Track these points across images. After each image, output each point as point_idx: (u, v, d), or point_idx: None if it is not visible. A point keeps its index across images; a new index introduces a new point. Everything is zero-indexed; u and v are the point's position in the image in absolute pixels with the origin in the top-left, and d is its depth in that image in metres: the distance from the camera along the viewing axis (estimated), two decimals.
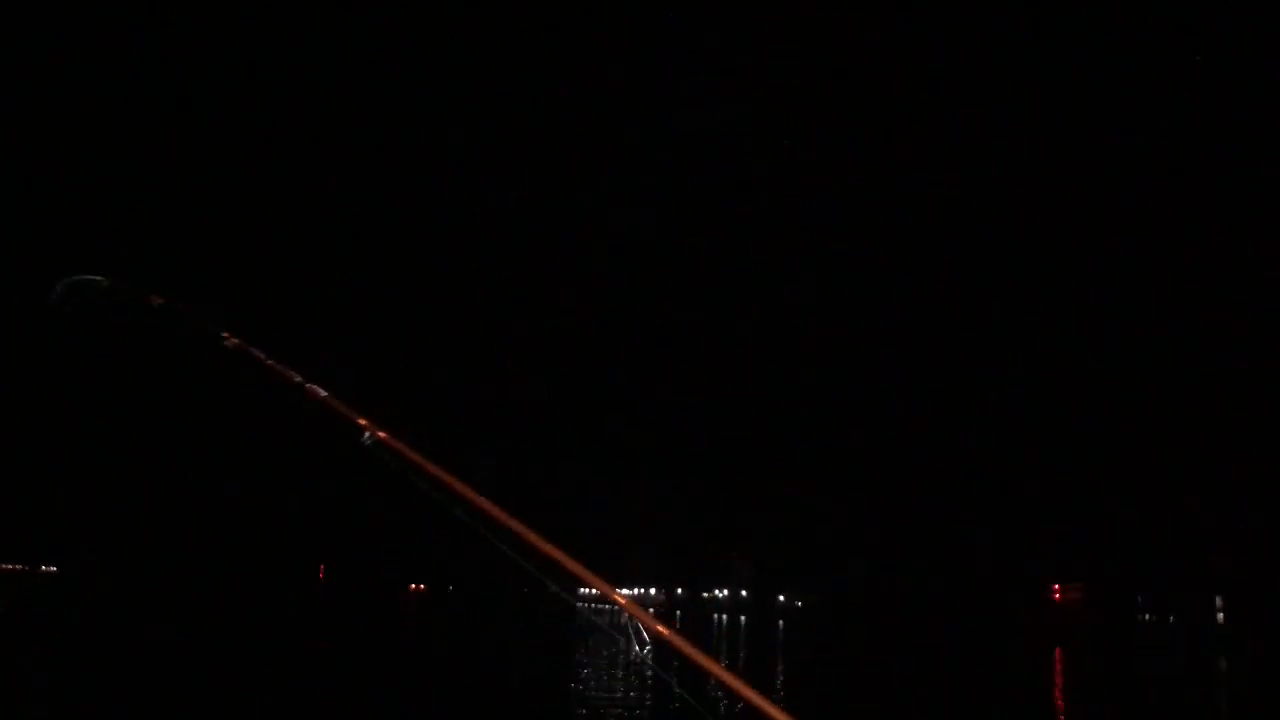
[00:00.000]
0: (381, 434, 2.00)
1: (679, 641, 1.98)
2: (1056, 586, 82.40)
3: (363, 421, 2.04)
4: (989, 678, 30.98)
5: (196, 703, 14.66)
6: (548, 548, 2.13)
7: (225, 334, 2.12)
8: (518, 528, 2.10)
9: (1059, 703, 23.53)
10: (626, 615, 2.06)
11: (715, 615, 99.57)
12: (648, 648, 2.04)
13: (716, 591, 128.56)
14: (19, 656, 20.76)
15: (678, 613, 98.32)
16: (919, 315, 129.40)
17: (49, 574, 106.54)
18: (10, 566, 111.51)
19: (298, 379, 2.09)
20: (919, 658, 38.75)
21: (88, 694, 15.16)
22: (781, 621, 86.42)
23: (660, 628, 2.02)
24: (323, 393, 2.08)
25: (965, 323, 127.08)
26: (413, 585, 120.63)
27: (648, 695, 18.21)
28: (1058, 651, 47.55)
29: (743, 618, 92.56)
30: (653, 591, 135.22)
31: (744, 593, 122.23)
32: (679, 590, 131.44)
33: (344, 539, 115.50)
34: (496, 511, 2.09)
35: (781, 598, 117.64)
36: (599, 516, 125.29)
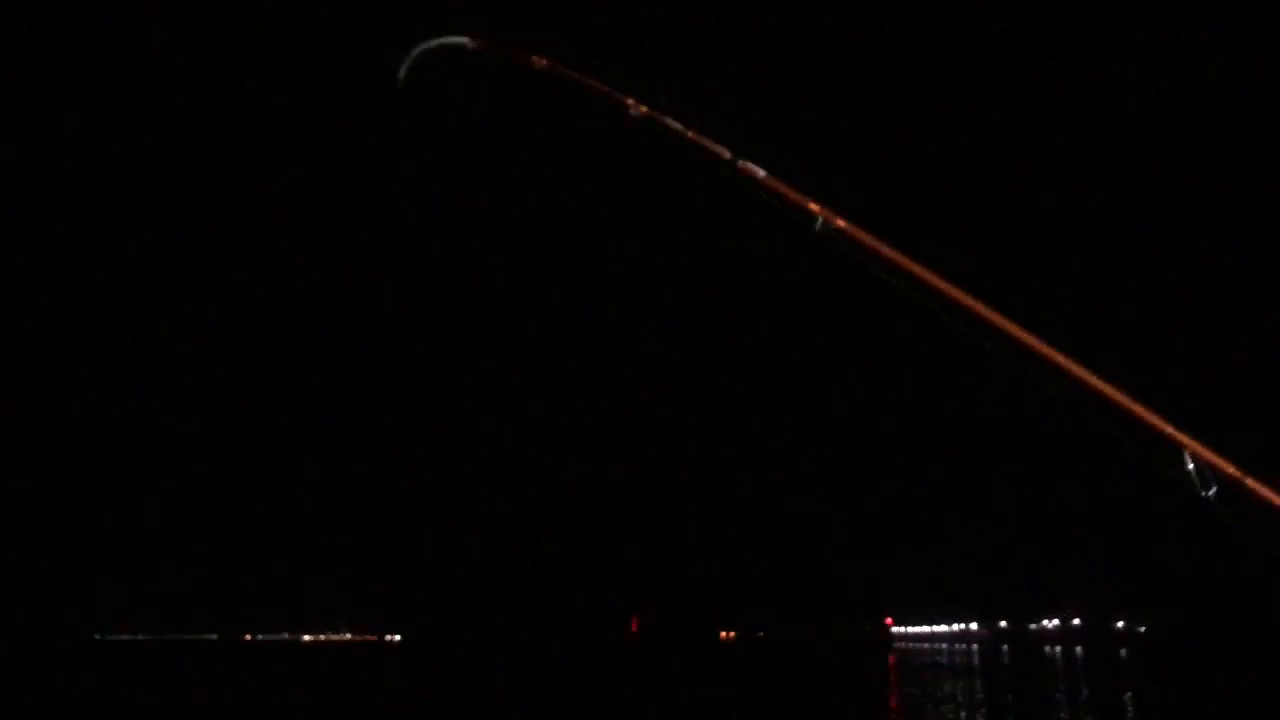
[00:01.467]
0: (840, 221, 1.61)
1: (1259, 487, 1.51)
2: None
3: (814, 207, 1.66)
4: None
5: None
6: (1027, 337, 1.66)
7: (630, 101, 1.76)
8: (996, 319, 1.64)
9: None
10: (1189, 454, 1.55)
11: (1047, 648, 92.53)
12: (1213, 489, 1.56)
13: (1045, 622, 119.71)
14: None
15: (1004, 647, 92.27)
16: None
17: (393, 642, 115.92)
18: (364, 638, 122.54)
19: (727, 155, 1.72)
20: None
21: None
22: (1124, 650, 78.84)
23: (1234, 469, 1.54)
24: (760, 172, 1.71)
25: None
26: (724, 633, 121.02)
27: None
28: None
29: (1078, 649, 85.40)
30: (974, 626, 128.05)
31: (1076, 620, 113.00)
32: (1003, 623, 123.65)
33: (656, 592, 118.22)
34: (968, 300, 1.66)
35: (1121, 623, 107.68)
36: (914, 551, 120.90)
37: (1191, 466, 1.53)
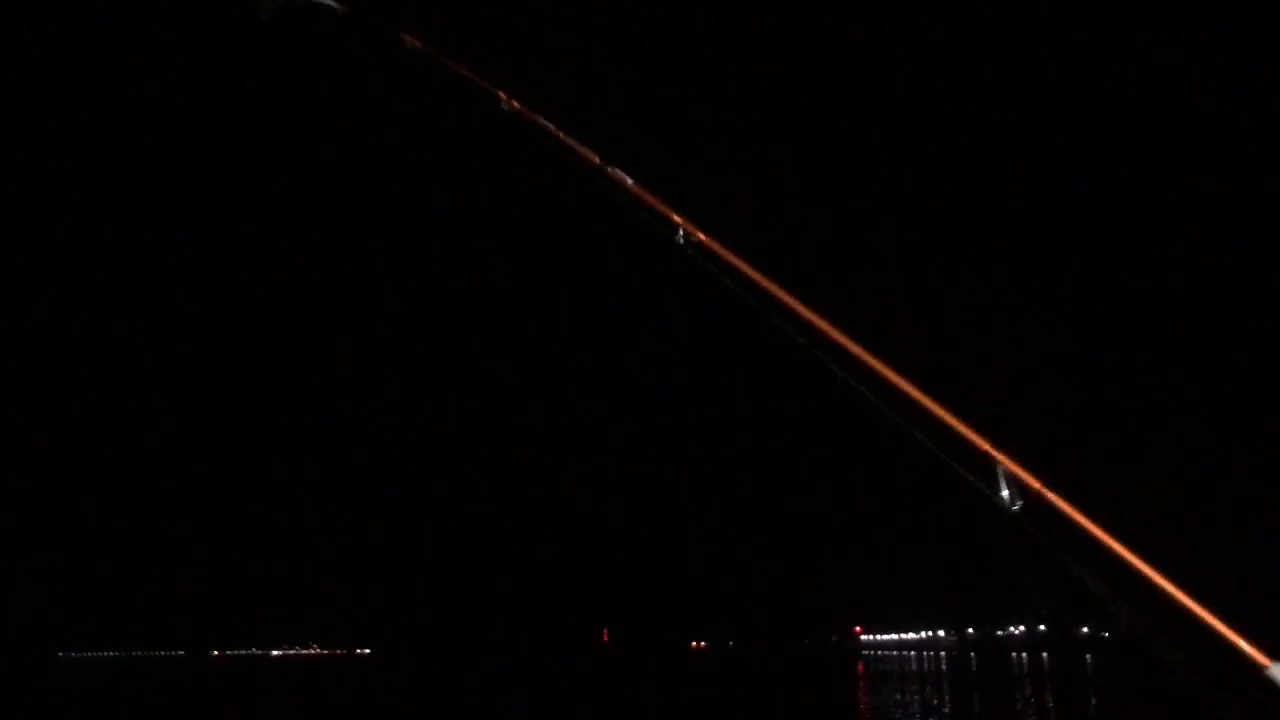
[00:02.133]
0: (700, 235, 1.61)
1: (1059, 501, 1.58)
2: None
3: (677, 219, 1.66)
4: None
5: None
6: (874, 361, 1.71)
7: (503, 94, 1.68)
8: (842, 340, 1.70)
9: None
10: (1000, 465, 1.63)
11: (1013, 654, 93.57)
12: (1019, 503, 1.65)
13: (1011, 629, 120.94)
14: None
15: (972, 654, 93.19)
16: None
17: (363, 655, 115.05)
18: (334, 652, 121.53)
19: (596, 160, 1.68)
20: None
21: None
22: (1089, 655, 79.89)
23: (1034, 481, 1.60)
24: (629, 180, 1.68)
25: None
26: (694, 643, 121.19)
27: None
28: None
29: (1045, 654, 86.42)
30: (941, 634, 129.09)
31: (1041, 627, 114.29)
32: (970, 630, 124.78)
33: (626, 602, 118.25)
34: (820, 322, 1.68)
35: (1085, 629, 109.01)
36: (878, 559, 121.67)
37: (1004, 482, 1.58)
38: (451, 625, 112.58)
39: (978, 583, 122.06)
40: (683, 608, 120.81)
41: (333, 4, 1.76)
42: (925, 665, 62.56)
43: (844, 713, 26.69)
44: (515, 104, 1.76)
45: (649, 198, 1.67)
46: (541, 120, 1.74)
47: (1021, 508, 1.58)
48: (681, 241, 1.65)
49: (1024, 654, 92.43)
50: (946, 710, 26.70)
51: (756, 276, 1.65)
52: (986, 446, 1.61)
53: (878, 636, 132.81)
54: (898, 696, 31.82)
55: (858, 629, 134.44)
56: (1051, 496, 1.59)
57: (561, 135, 1.72)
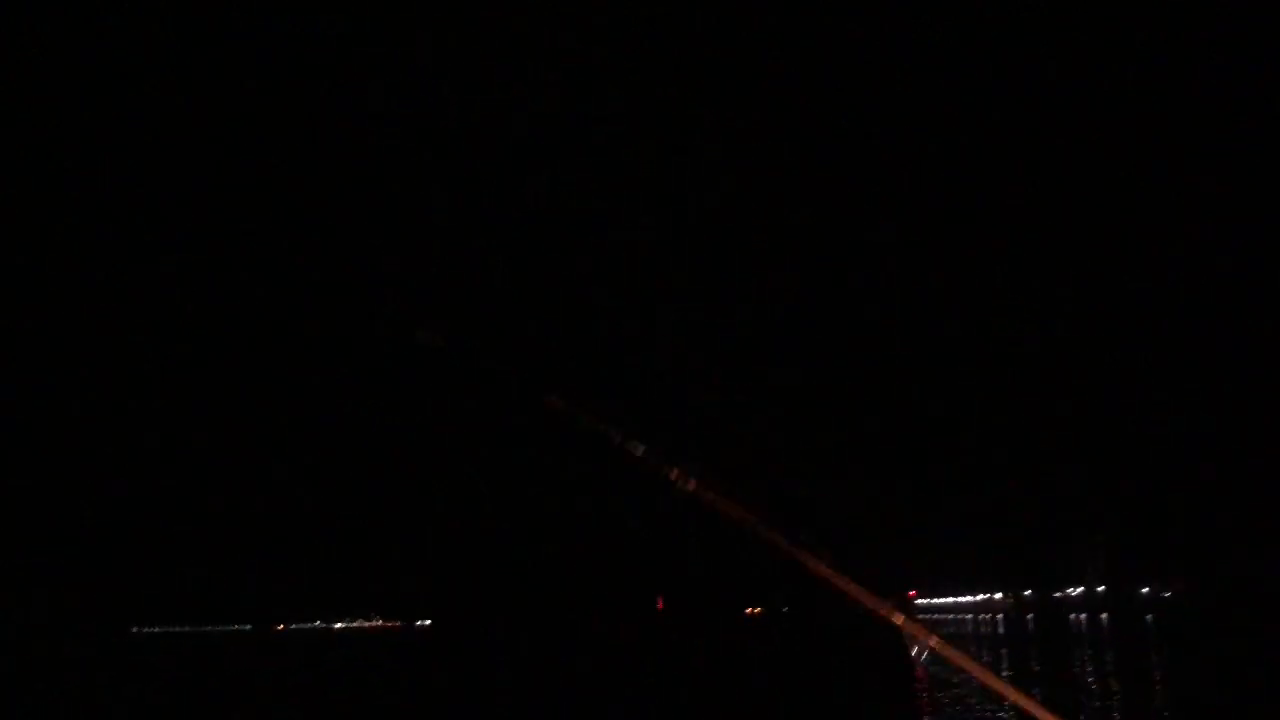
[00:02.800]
0: (692, 482, 1.99)
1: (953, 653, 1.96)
2: None
3: (675, 474, 2.03)
4: None
5: None
6: (849, 585, 2.12)
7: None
8: (825, 570, 2.09)
9: None
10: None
11: (1072, 615, 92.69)
12: (925, 653, 2.04)
13: (1069, 590, 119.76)
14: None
15: (1029, 616, 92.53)
16: None
17: (423, 627, 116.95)
18: (394, 624, 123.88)
19: (618, 437, 2.05)
20: None
21: None
22: (1150, 616, 78.90)
23: (933, 641, 2.01)
24: (640, 449, 2.06)
25: None
26: (748, 609, 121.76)
27: None
28: None
29: (1104, 616, 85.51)
30: (999, 596, 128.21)
31: (1100, 588, 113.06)
32: (1027, 592, 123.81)
33: (680, 569, 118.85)
34: (808, 558, 2.07)
35: (1145, 589, 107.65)
36: (935, 520, 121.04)
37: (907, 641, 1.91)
38: (509, 597, 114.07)
39: (1035, 545, 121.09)
40: (736, 574, 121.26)
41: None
42: (981, 628, 62.28)
43: (898, 676, 26.76)
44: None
45: (656, 459, 1.99)
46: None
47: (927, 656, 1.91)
48: (684, 487, 1.97)
49: (1083, 615, 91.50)
50: (1005, 673, 26.62)
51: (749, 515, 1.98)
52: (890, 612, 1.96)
53: (933, 600, 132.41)
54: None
55: (912, 593, 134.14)
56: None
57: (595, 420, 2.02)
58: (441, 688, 27.58)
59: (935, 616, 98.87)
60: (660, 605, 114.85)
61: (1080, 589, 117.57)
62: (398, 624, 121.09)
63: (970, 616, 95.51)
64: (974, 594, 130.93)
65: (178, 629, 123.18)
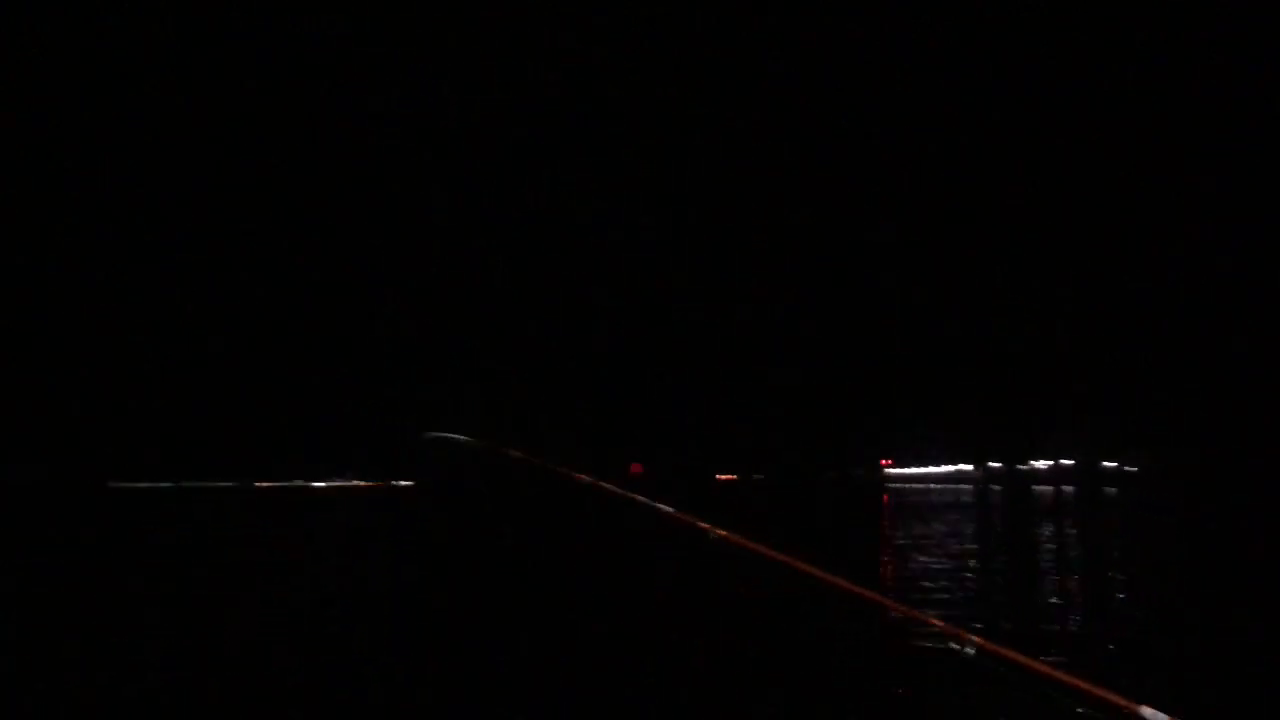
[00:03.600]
0: (722, 532, 2.08)
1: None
2: None
3: (705, 526, 2.13)
4: None
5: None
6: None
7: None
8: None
9: None
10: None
11: (1036, 487, 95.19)
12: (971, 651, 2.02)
13: (1036, 463, 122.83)
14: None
15: (996, 488, 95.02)
16: None
17: (402, 487, 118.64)
18: (374, 484, 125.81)
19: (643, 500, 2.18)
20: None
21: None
22: (1112, 488, 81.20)
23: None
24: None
25: None
26: (722, 476, 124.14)
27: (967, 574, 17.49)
28: None
29: (1068, 487, 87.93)
30: (969, 467, 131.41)
31: (1066, 461, 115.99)
32: (994, 464, 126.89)
33: (654, 437, 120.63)
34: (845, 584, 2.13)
35: (1109, 463, 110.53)
36: (910, 392, 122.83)
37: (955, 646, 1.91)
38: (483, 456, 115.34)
39: (1003, 417, 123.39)
40: (709, 441, 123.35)
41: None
42: (949, 498, 63.92)
43: (871, 539, 27.44)
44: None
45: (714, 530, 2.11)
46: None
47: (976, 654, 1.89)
48: (714, 540, 2.10)
49: (1047, 486, 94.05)
50: (971, 534, 27.39)
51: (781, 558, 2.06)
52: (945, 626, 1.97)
53: (908, 470, 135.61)
54: (923, 525, 32.63)
55: (886, 461, 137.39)
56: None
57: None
58: (424, 548, 28.05)
59: (906, 486, 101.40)
60: (637, 470, 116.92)
61: (1046, 462, 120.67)
62: (378, 484, 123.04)
63: (938, 486, 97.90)
64: (943, 465, 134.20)
65: (157, 485, 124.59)
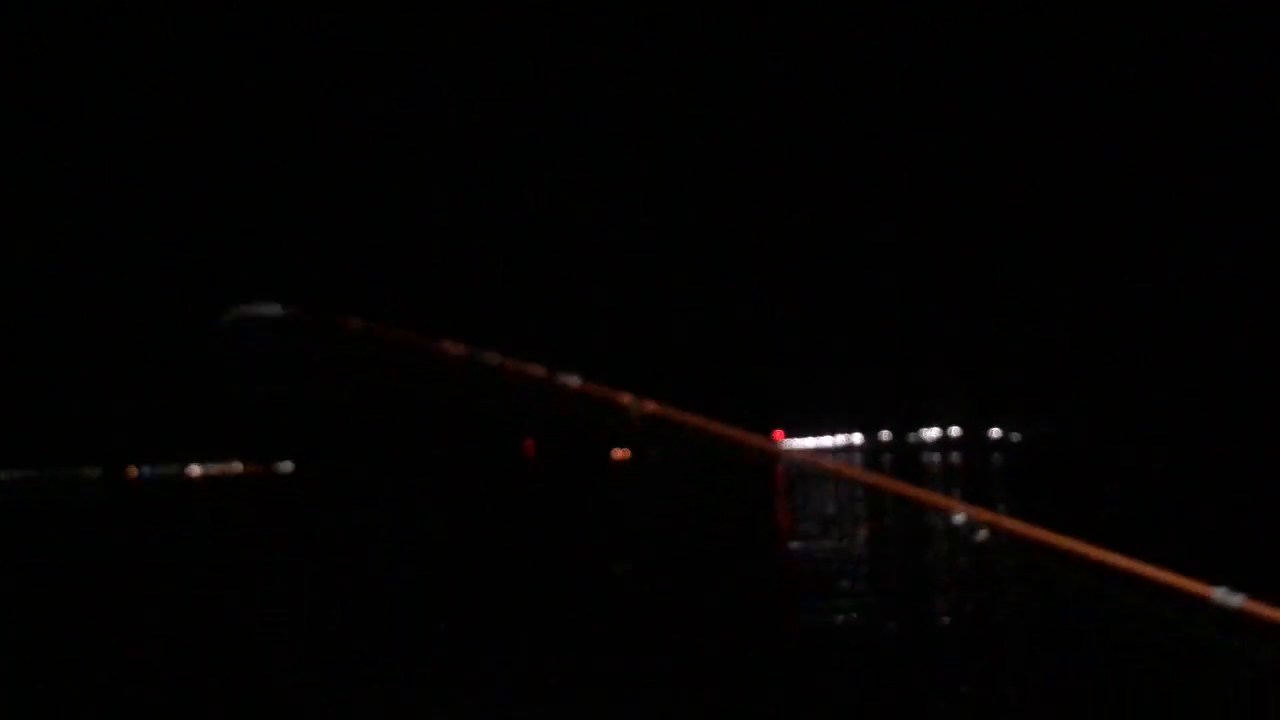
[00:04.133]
0: (649, 406, 1.92)
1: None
2: None
3: (626, 399, 1.90)
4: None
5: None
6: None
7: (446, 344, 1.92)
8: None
9: None
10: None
11: (925, 456, 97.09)
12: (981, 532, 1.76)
13: (924, 432, 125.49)
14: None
15: (886, 456, 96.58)
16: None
17: (283, 471, 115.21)
18: (254, 467, 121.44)
19: (541, 372, 1.94)
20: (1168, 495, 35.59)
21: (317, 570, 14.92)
22: (998, 454, 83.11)
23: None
24: (576, 381, 1.92)
25: None
26: (618, 451, 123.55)
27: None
28: None
29: (955, 455, 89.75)
30: (858, 439, 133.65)
31: (955, 430, 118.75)
32: (885, 434, 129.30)
33: (548, 412, 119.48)
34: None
35: (997, 432, 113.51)
36: (795, 365, 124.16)
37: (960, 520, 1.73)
38: (374, 441, 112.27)
39: (893, 387, 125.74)
40: (605, 418, 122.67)
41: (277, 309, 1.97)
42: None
43: (765, 514, 26.89)
44: (459, 349, 1.96)
45: (597, 389, 1.96)
46: (488, 356, 1.95)
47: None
48: (636, 417, 1.92)
49: (936, 455, 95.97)
50: (860, 503, 27.04)
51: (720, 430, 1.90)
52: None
53: (795, 443, 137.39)
54: (815, 494, 32.18)
55: (779, 433, 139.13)
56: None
57: (507, 364, 1.95)
58: (308, 533, 26.28)
59: (798, 458, 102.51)
60: (530, 449, 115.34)
61: (936, 431, 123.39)
62: (258, 468, 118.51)
63: (830, 459, 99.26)
64: (834, 436, 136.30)
65: (17, 473, 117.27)
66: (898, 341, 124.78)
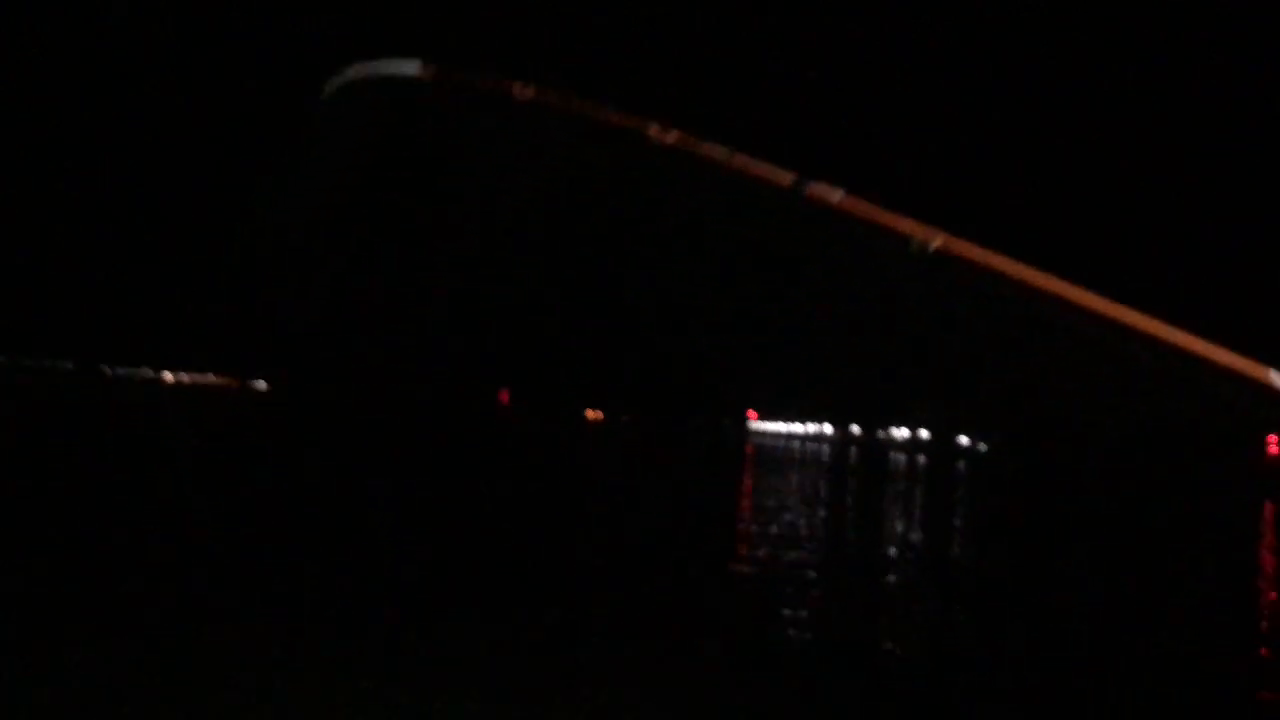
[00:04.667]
0: (939, 240, 1.36)
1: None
2: (1273, 437, 76.68)
3: (909, 228, 1.38)
4: (1182, 530, 28.58)
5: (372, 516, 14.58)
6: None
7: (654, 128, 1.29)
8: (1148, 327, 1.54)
9: (1267, 563, 21.19)
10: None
11: (892, 454, 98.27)
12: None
13: (894, 431, 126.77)
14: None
15: (853, 449, 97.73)
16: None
17: (258, 389, 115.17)
18: (228, 380, 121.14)
19: (789, 180, 1.36)
20: (1101, 505, 36.52)
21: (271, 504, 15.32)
22: (963, 464, 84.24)
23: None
24: (837, 194, 1.37)
25: None
26: (590, 412, 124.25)
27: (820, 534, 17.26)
28: (1268, 507, 44.01)
29: (921, 458, 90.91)
30: (828, 429, 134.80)
31: (924, 433, 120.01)
32: (854, 428, 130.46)
33: (525, 365, 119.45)
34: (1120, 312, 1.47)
35: (965, 439, 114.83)
36: (779, 351, 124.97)
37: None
38: (350, 367, 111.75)
39: (867, 381, 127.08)
40: (579, 376, 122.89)
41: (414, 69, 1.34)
42: (808, 456, 65.16)
43: (731, 490, 27.39)
44: (673, 134, 1.41)
45: (868, 209, 1.40)
46: (709, 147, 1.40)
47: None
48: (917, 252, 1.42)
49: (902, 455, 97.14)
50: (822, 494, 27.71)
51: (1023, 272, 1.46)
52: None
53: (767, 426, 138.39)
54: (780, 479, 32.82)
55: (752, 413, 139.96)
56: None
57: (736, 159, 1.40)
58: (278, 455, 26.63)
59: (768, 441, 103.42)
60: (504, 399, 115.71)
61: (905, 431, 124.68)
62: (232, 381, 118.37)
63: (799, 445, 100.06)
64: (805, 423, 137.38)
65: None
66: (878, 338, 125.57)
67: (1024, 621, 11.57)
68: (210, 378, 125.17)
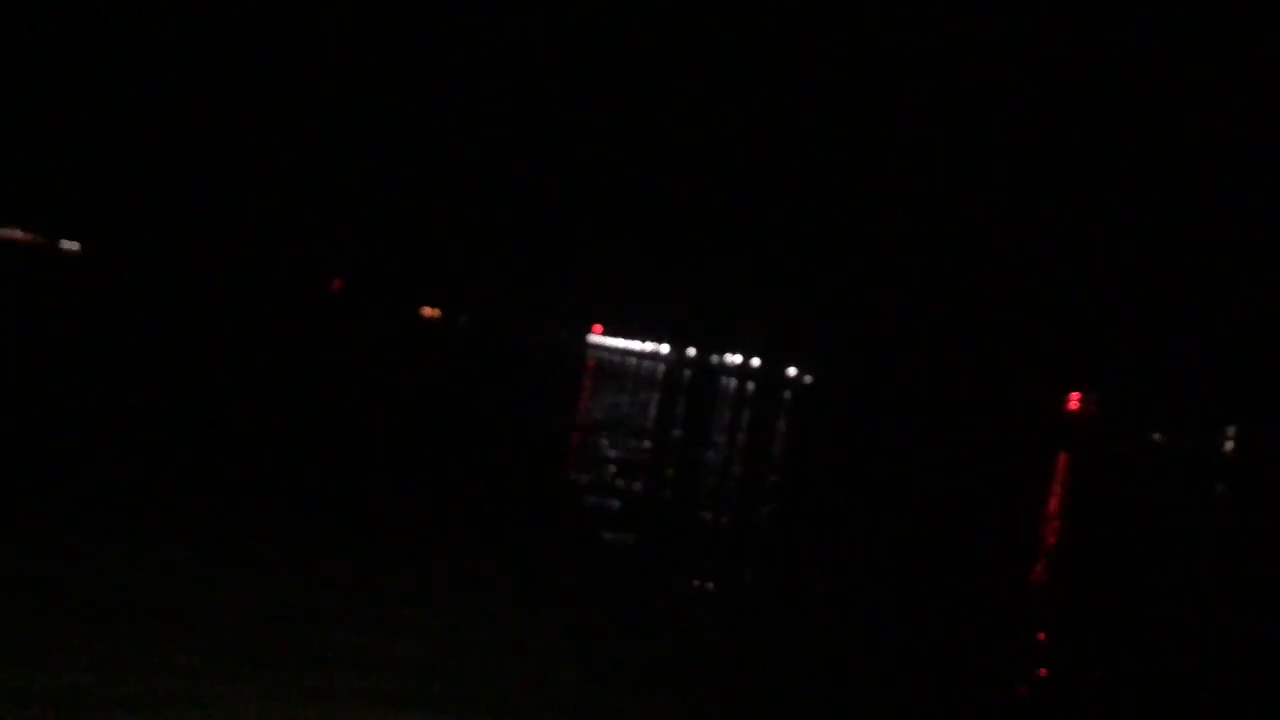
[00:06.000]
0: None
1: None
2: (1076, 395, 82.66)
3: None
4: (984, 473, 30.57)
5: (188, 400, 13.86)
6: None
7: None
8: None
9: (1055, 503, 22.94)
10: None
11: (724, 378, 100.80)
12: None
13: (727, 357, 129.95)
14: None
15: (686, 371, 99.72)
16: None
17: (70, 250, 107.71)
18: (36, 239, 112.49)
19: None
20: (913, 440, 38.67)
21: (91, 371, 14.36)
22: (788, 393, 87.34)
23: None
24: None
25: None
26: (426, 309, 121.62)
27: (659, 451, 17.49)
28: (1062, 456, 47.55)
29: (750, 385, 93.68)
30: (665, 349, 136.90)
31: (755, 361, 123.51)
32: (690, 351, 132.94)
33: (365, 253, 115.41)
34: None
35: (792, 371, 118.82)
36: (613, 265, 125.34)
37: None
38: (172, 231, 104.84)
39: (705, 307, 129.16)
40: (416, 269, 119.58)
41: None
42: (643, 372, 66.05)
43: (571, 400, 27.48)
44: None
45: None
46: None
47: None
48: None
49: (732, 380, 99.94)
50: (653, 410, 28.19)
51: None
52: None
53: (607, 341, 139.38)
54: (617, 395, 33.14)
55: (598, 327, 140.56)
56: None
57: None
58: (93, 321, 24.88)
59: (607, 355, 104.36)
60: (337, 286, 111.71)
61: (739, 358, 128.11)
62: (41, 240, 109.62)
63: (636, 361, 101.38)
64: (644, 342, 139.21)
65: None
66: (721, 265, 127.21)
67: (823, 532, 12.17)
68: (15, 233, 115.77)
